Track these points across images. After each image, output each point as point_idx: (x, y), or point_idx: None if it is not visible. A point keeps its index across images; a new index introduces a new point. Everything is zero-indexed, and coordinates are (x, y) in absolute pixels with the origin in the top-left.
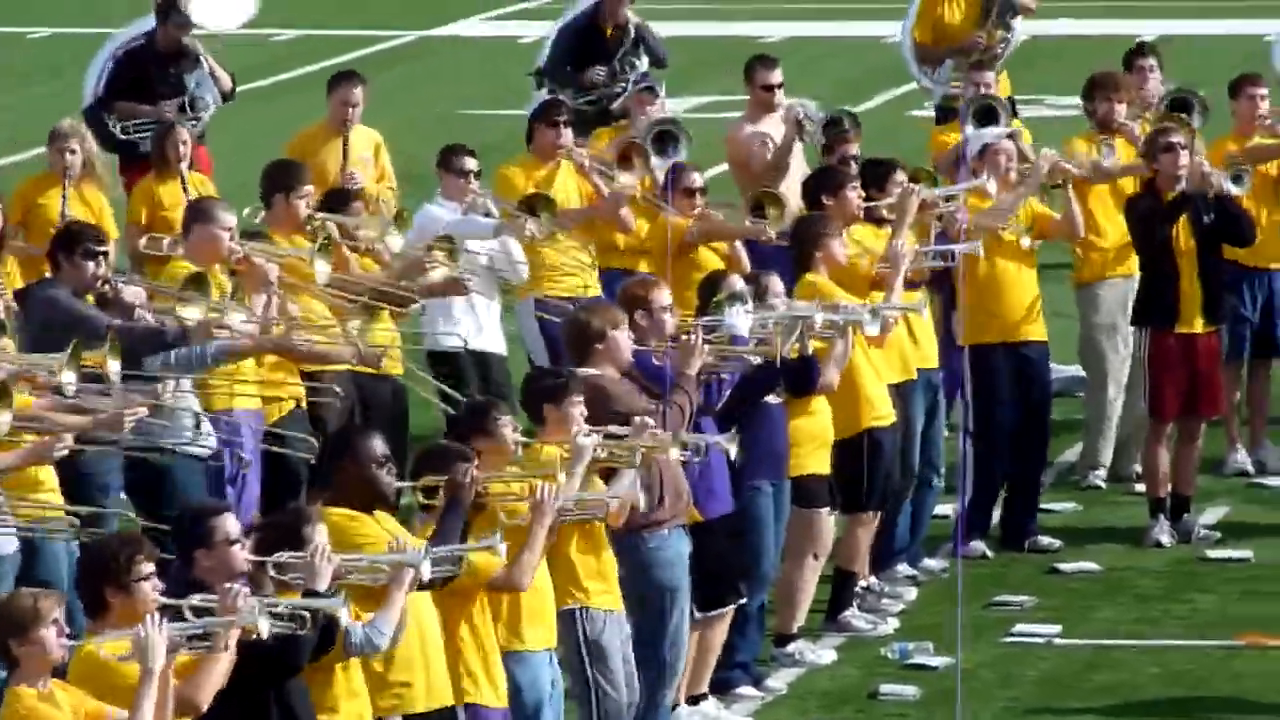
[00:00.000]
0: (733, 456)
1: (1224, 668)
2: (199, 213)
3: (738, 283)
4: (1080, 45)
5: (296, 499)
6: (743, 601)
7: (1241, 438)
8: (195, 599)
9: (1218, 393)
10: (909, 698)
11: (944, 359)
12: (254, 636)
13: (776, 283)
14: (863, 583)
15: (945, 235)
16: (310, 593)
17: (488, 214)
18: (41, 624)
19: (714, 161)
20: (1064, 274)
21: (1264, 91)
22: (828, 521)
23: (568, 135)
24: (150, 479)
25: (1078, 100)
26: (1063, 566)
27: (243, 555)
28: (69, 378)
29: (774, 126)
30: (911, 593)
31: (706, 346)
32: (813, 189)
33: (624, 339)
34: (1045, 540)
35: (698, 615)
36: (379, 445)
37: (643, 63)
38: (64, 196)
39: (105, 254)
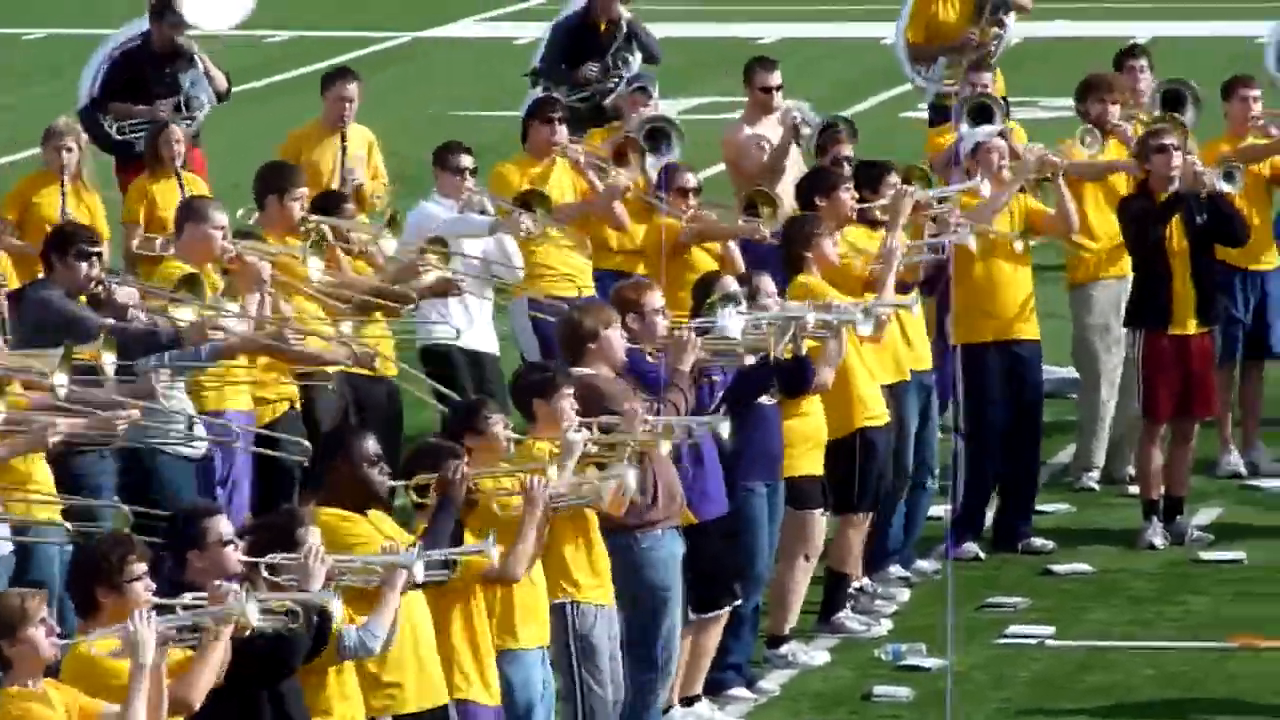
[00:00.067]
0: (725, 436)
1: (1218, 669)
2: (191, 212)
3: (731, 284)
4: (1068, 47)
5: (290, 500)
6: (738, 603)
7: (1234, 439)
8: (187, 597)
9: (1211, 394)
10: (902, 699)
11: (937, 361)
12: (246, 631)
13: (769, 283)
14: (856, 584)
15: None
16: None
17: (483, 212)
18: (29, 623)
19: (710, 162)
20: (1057, 275)
21: (1257, 93)
22: (820, 523)
23: (563, 132)
24: (142, 481)
25: (1070, 102)
26: (1056, 568)
27: (236, 556)
28: (61, 380)
29: (771, 129)
30: (904, 594)
31: (700, 341)
32: (806, 190)
33: (617, 338)
34: (1038, 542)
35: (692, 617)
36: (371, 444)
37: (636, 58)
38: (63, 194)
39: (99, 255)
